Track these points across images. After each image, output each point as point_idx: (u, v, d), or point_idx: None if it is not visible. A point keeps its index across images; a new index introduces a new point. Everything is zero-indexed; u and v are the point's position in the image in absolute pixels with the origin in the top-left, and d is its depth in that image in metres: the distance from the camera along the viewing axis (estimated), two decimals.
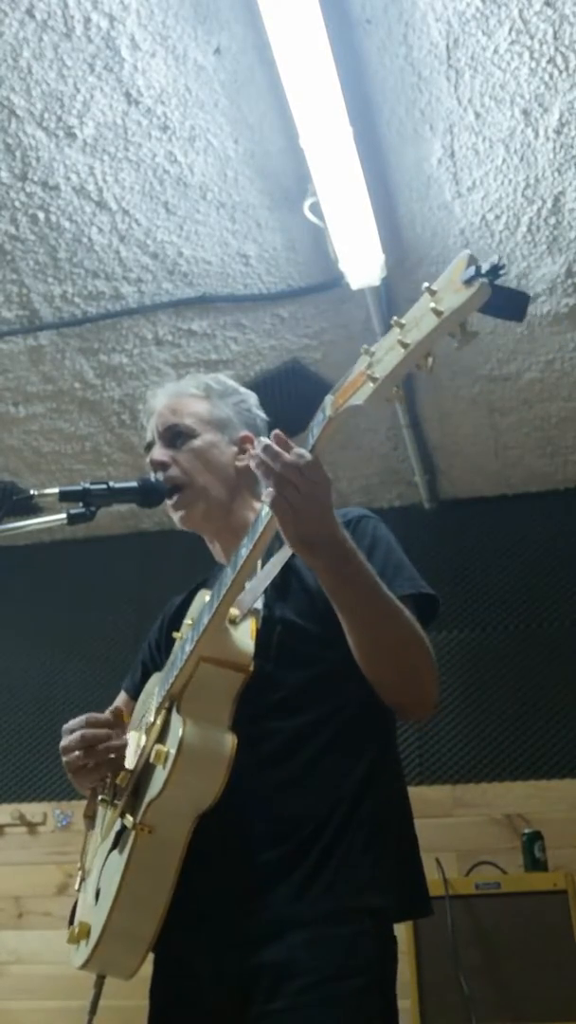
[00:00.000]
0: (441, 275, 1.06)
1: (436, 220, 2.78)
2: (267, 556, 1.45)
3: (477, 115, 2.47)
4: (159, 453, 1.70)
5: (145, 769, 1.44)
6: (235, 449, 1.73)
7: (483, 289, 1.00)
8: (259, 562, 1.44)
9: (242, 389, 1.83)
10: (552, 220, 2.78)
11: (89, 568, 4.31)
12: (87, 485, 1.56)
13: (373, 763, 1.50)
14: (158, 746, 1.38)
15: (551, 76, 2.36)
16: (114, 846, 1.47)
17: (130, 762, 1.51)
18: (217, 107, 2.45)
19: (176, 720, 1.38)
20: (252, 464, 1.34)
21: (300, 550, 1.36)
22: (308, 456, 1.28)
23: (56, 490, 1.54)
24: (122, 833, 1.44)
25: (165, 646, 1.73)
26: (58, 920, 3.63)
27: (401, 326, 1.10)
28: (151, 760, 1.39)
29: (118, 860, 1.42)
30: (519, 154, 2.58)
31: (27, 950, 3.72)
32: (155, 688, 1.59)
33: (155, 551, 4.17)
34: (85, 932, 1.47)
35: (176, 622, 1.60)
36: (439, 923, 2.86)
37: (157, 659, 1.77)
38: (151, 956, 1.46)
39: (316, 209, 2.64)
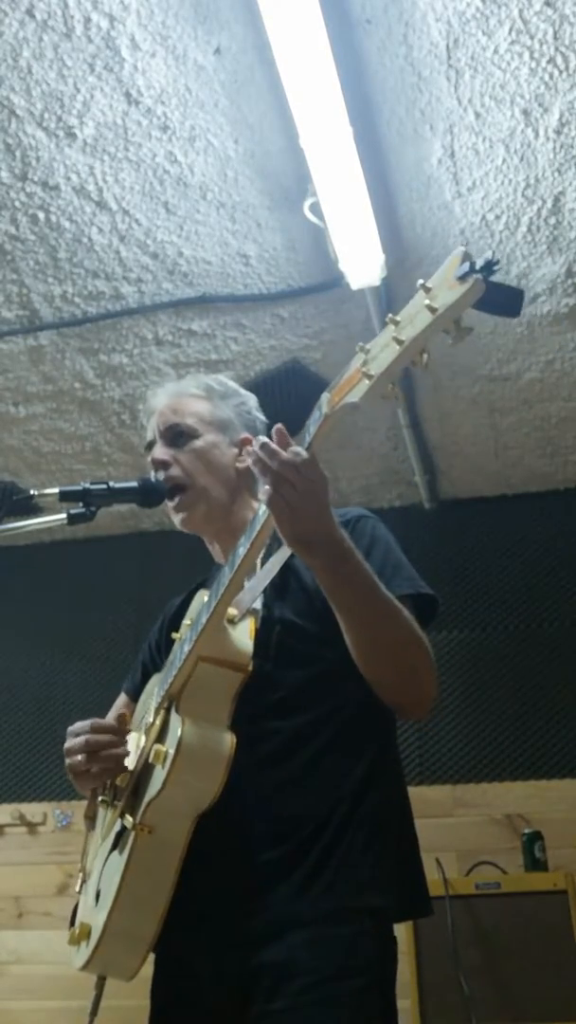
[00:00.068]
0: (436, 272, 1.06)
1: (436, 220, 2.78)
2: (266, 556, 1.45)
3: (477, 115, 2.47)
4: (161, 452, 1.70)
5: (144, 769, 1.44)
6: (236, 451, 1.73)
7: (477, 285, 1.00)
8: (258, 562, 1.45)
9: (243, 391, 1.83)
10: (552, 220, 2.78)
11: (89, 568, 4.31)
12: (87, 485, 1.56)
13: (373, 763, 1.50)
14: (157, 746, 1.38)
15: (551, 76, 2.36)
16: (114, 847, 1.47)
17: (130, 763, 1.51)
18: (217, 107, 2.45)
19: (175, 720, 1.38)
20: (249, 462, 1.34)
21: (297, 549, 1.36)
22: (304, 454, 1.28)
23: (56, 490, 1.54)
24: (122, 834, 1.44)
25: (165, 647, 1.73)
26: (58, 920, 3.63)
27: (396, 323, 1.10)
28: (150, 760, 1.39)
29: (118, 861, 1.42)
30: (519, 154, 2.58)
31: (27, 950, 3.72)
32: (155, 689, 1.59)
33: (155, 551, 4.17)
34: (86, 933, 1.47)
35: (176, 623, 1.60)
36: (439, 923, 2.86)
37: (157, 660, 1.77)
38: (152, 956, 1.46)
39: (316, 209, 2.64)
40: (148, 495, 1.63)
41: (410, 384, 3.43)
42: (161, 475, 1.68)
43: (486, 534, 4.06)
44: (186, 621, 1.52)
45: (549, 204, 2.73)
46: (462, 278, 1.01)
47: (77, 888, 1.67)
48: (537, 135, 2.52)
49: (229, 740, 1.36)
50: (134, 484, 1.61)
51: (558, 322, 3.18)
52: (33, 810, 3.93)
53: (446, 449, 3.86)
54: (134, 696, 1.79)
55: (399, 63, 2.34)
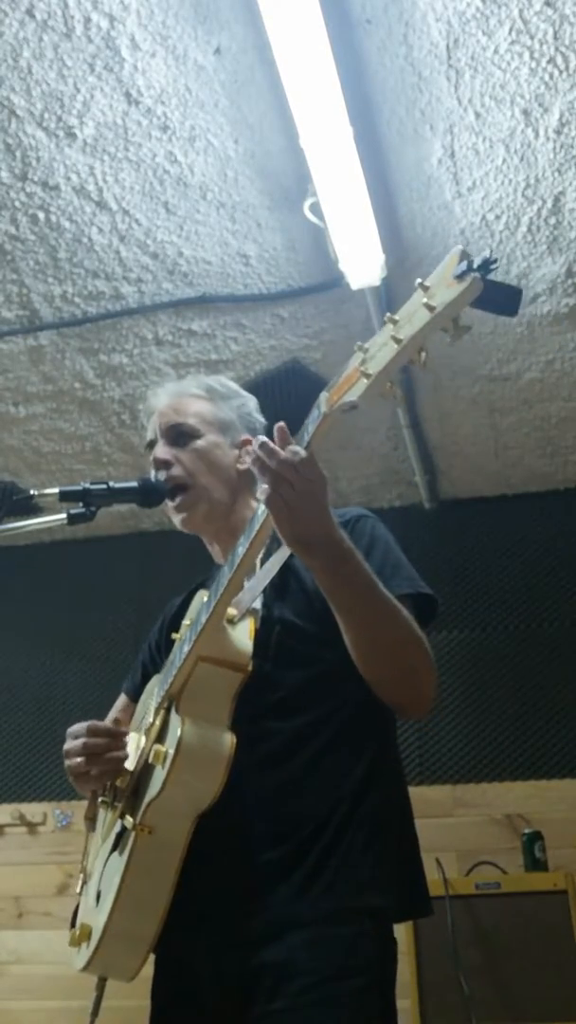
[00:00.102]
0: (435, 271, 1.06)
1: (436, 220, 2.78)
2: (266, 556, 1.45)
3: (477, 115, 2.47)
4: (162, 451, 1.70)
5: (144, 770, 1.44)
6: (236, 452, 1.73)
7: (475, 283, 1.01)
8: (257, 562, 1.44)
9: (243, 392, 1.83)
10: (552, 220, 2.78)
11: (89, 568, 4.31)
12: (87, 485, 1.56)
13: (373, 762, 1.50)
14: (157, 746, 1.38)
15: (551, 76, 2.36)
16: (114, 848, 1.47)
17: (130, 763, 1.51)
18: (217, 107, 2.45)
19: (175, 720, 1.38)
20: (248, 460, 1.34)
21: (296, 549, 1.36)
22: (303, 453, 1.28)
23: (56, 490, 1.54)
24: (122, 834, 1.44)
25: (165, 647, 1.73)
26: (58, 920, 3.64)
27: (395, 322, 1.10)
28: (150, 760, 1.39)
29: (118, 861, 1.42)
30: (519, 154, 2.58)
31: (27, 950, 3.72)
32: (155, 689, 1.59)
33: (155, 551, 4.16)
34: (86, 934, 1.47)
35: (176, 623, 1.60)
36: (439, 923, 2.85)
37: (157, 660, 1.76)
38: (152, 957, 1.46)
39: (316, 209, 2.63)
40: (148, 495, 1.63)
41: (410, 384, 3.43)
42: (162, 474, 1.67)
43: (486, 534, 4.06)
44: (186, 621, 1.52)
45: (549, 204, 2.73)
46: (460, 277, 1.01)
47: (78, 889, 1.67)
48: (537, 135, 2.52)
49: (229, 740, 1.36)
50: (134, 484, 1.61)
51: (558, 322, 3.18)
52: (33, 810, 3.93)
53: (446, 449, 3.86)
54: (134, 697, 1.79)
55: (399, 63, 2.34)
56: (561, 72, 2.35)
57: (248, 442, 1.72)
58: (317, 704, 1.49)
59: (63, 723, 1.59)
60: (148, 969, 1.45)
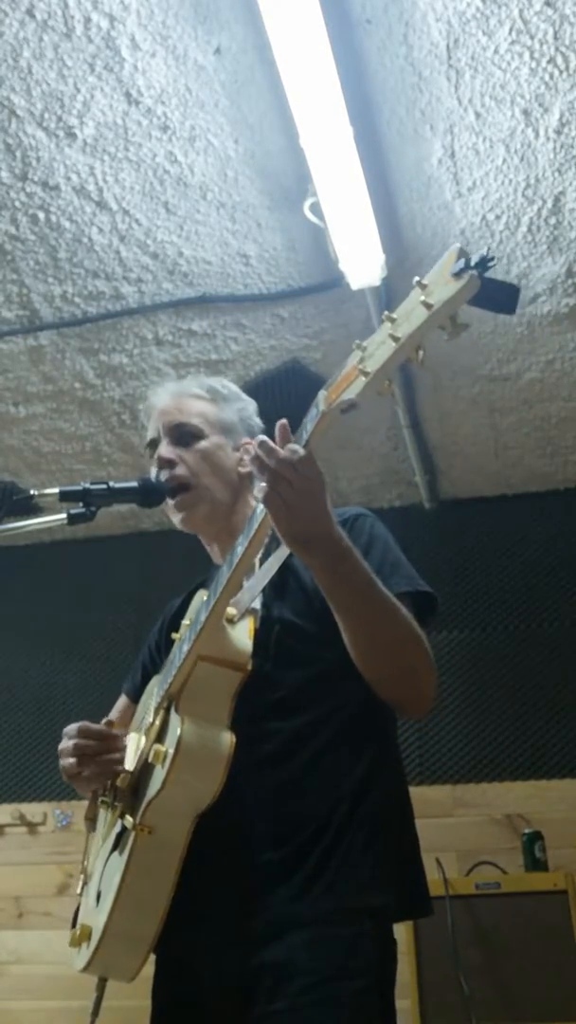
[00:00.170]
0: (432, 268, 1.07)
1: (436, 220, 2.78)
2: (265, 556, 1.45)
3: (477, 115, 2.47)
4: (167, 451, 1.70)
5: (144, 769, 1.44)
6: (238, 455, 1.73)
7: (472, 281, 1.01)
8: (256, 561, 1.44)
9: (244, 395, 1.84)
10: (552, 220, 2.78)
11: (89, 568, 4.31)
12: (87, 485, 1.56)
13: (373, 762, 1.49)
14: (156, 746, 1.38)
15: (551, 76, 2.36)
16: (114, 848, 1.47)
17: (129, 763, 1.51)
18: (217, 107, 2.45)
19: (174, 719, 1.38)
20: (246, 459, 1.34)
21: (295, 547, 1.36)
22: (301, 451, 1.28)
23: (56, 490, 1.54)
24: (122, 834, 1.44)
25: (165, 647, 1.73)
26: (58, 920, 3.64)
27: (392, 320, 1.11)
28: (150, 760, 1.39)
29: (118, 861, 1.42)
30: (519, 154, 2.58)
31: (27, 950, 3.72)
32: (155, 689, 1.59)
33: (155, 551, 4.16)
34: (86, 935, 1.47)
35: (175, 623, 1.60)
36: (439, 923, 2.85)
37: (157, 661, 1.76)
38: (153, 957, 1.46)
39: (316, 209, 2.63)
40: (148, 495, 1.63)
41: (410, 384, 3.43)
42: (165, 474, 1.67)
43: (486, 534, 4.06)
44: (185, 621, 1.52)
45: (549, 204, 2.73)
46: (457, 274, 1.01)
47: (78, 890, 1.67)
48: (537, 135, 2.52)
49: (228, 739, 1.36)
50: (134, 484, 1.61)
51: (558, 322, 3.18)
52: (33, 810, 3.93)
53: (446, 449, 3.86)
54: (134, 697, 1.79)
55: (399, 63, 2.34)
56: (561, 72, 2.35)
57: (248, 445, 1.72)
58: (317, 704, 1.49)
59: (63, 723, 1.59)
60: (148, 969, 1.45)
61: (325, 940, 1.35)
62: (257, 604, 1.50)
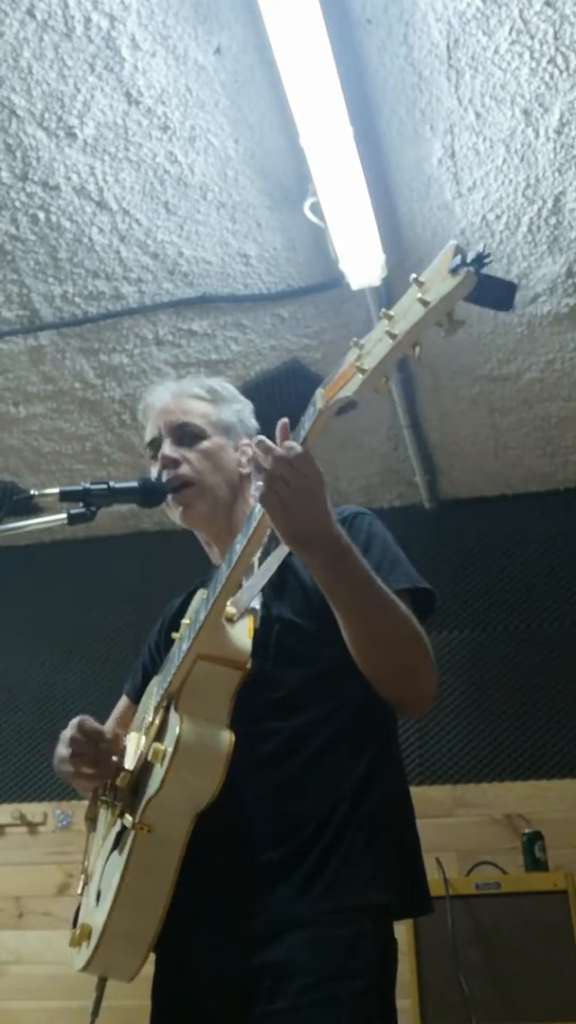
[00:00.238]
0: (429, 266, 1.07)
1: (436, 220, 2.78)
2: (264, 555, 1.45)
3: (477, 115, 2.47)
4: (170, 450, 1.70)
5: (144, 768, 1.44)
6: (238, 455, 1.74)
7: (469, 278, 1.01)
8: (256, 561, 1.45)
9: (241, 396, 1.84)
10: (552, 220, 2.78)
11: (89, 568, 4.31)
12: (87, 485, 1.56)
13: (373, 761, 1.49)
14: (155, 744, 1.38)
15: (551, 76, 2.36)
16: (114, 847, 1.47)
17: (129, 762, 1.51)
18: (217, 107, 2.45)
19: (174, 718, 1.38)
20: (244, 460, 1.34)
21: (293, 546, 1.36)
22: (298, 448, 1.28)
23: (56, 490, 1.54)
24: (122, 833, 1.44)
25: (165, 647, 1.73)
26: (58, 920, 3.64)
27: (390, 318, 1.11)
28: (149, 758, 1.40)
29: (118, 860, 1.42)
30: (519, 154, 2.58)
31: (27, 950, 3.72)
32: (155, 688, 1.59)
33: (155, 551, 4.17)
34: (86, 934, 1.47)
35: (175, 623, 1.60)
36: (439, 923, 2.85)
37: (157, 661, 1.76)
38: (153, 956, 1.46)
39: (316, 209, 2.64)
40: (148, 495, 1.63)
41: (410, 384, 3.43)
42: (168, 473, 1.68)
43: (486, 534, 4.06)
44: (185, 621, 1.52)
45: (549, 204, 2.73)
46: (454, 271, 1.02)
47: (79, 890, 1.67)
48: (537, 135, 2.52)
49: (227, 738, 1.36)
50: (134, 484, 1.61)
51: (558, 322, 3.18)
52: (33, 810, 3.93)
53: (446, 449, 3.86)
54: (135, 698, 1.79)
55: (399, 63, 2.34)
56: (561, 72, 2.35)
57: (247, 446, 1.73)
58: (317, 703, 1.49)
59: (63, 723, 1.59)
60: (148, 969, 1.45)
61: (325, 940, 1.35)
62: (256, 603, 1.50)
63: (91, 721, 1.57)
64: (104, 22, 2.24)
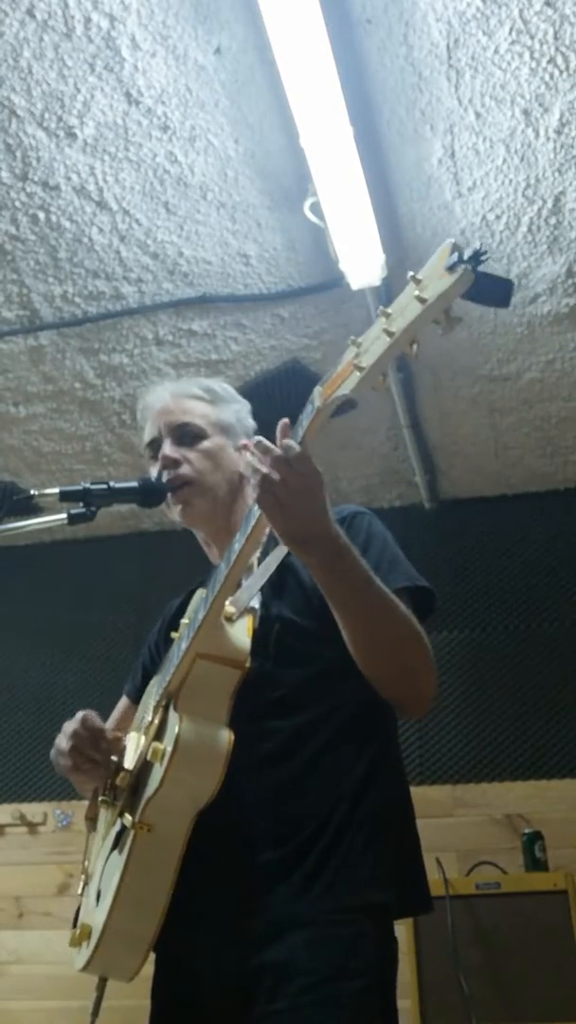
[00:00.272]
0: (427, 263, 1.07)
1: (436, 220, 2.78)
2: (264, 554, 1.45)
3: (477, 115, 2.47)
4: (171, 450, 1.70)
5: (144, 768, 1.44)
6: (237, 455, 1.74)
7: (466, 275, 1.01)
8: (255, 560, 1.44)
9: (239, 397, 1.84)
10: (553, 220, 2.78)
11: (89, 568, 4.31)
12: (87, 485, 1.56)
13: (373, 761, 1.49)
14: (155, 744, 1.37)
15: (551, 76, 2.36)
16: (114, 847, 1.47)
17: (129, 762, 1.51)
18: (217, 107, 2.45)
19: (173, 717, 1.38)
20: (243, 461, 1.34)
21: (292, 546, 1.36)
22: (296, 447, 1.28)
23: (56, 490, 1.55)
24: (122, 833, 1.44)
25: (164, 647, 1.73)
26: (58, 920, 3.64)
27: (387, 315, 1.11)
28: (148, 758, 1.39)
29: (118, 860, 1.42)
30: (520, 154, 2.58)
31: (27, 950, 3.72)
32: (154, 688, 1.59)
33: (155, 551, 4.17)
34: (86, 934, 1.47)
35: (175, 623, 1.60)
36: (439, 923, 2.85)
37: (157, 661, 1.76)
38: (153, 956, 1.46)
39: (316, 209, 2.64)
40: (148, 495, 1.63)
41: (410, 384, 3.43)
42: (169, 473, 1.68)
43: (486, 534, 4.06)
44: (184, 620, 1.53)
45: (549, 204, 2.73)
46: (451, 268, 1.02)
47: (79, 890, 1.67)
48: (538, 135, 2.52)
49: (227, 737, 1.36)
50: (134, 484, 1.61)
51: (558, 322, 3.18)
52: (33, 810, 3.93)
53: (446, 449, 3.86)
54: (135, 699, 1.79)
55: (399, 63, 2.34)
56: (561, 72, 2.35)
57: (247, 447, 1.73)
58: (317, 702, 1.49)
59: (63, 723, 1.59)
60: (148, 969, 1.45)
61: (325, 940, 1.35)
62: (256, 603, 1.50)
63: (95, 718, 1.56)
64: (104, 22, 2.24)
